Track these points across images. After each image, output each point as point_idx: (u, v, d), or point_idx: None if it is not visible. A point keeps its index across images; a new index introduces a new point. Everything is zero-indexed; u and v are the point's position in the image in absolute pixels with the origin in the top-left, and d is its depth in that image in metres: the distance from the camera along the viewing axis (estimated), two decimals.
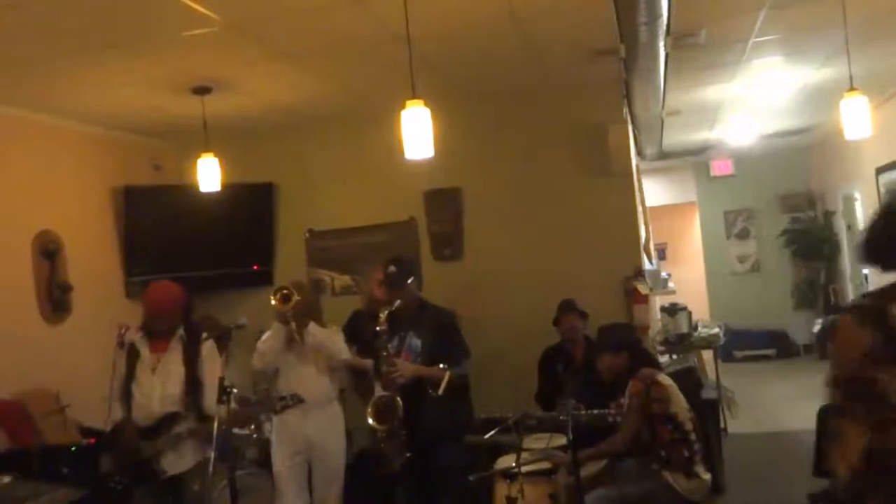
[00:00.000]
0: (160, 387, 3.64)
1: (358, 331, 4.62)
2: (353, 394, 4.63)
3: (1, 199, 4.57)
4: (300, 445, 4.07)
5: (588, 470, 3.75)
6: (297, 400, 3.60)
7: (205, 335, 3.79)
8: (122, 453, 3.52)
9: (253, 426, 4.53)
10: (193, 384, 3.63)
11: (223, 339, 4.91)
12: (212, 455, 3.16)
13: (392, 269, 4.03)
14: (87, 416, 4.10)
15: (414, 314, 4.06)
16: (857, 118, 4.12)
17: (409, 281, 4.06)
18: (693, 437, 3.61)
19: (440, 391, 3.82)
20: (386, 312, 3.94)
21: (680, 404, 3.66)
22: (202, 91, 4.62)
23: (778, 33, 4.71)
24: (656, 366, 3.94)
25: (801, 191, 10.84)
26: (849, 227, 9.84)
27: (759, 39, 4.77)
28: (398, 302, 3.96)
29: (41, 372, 4.43)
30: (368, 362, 4.20)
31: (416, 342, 4.04)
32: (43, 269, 4.78)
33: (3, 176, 4.61)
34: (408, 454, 3.87)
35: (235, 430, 4.32)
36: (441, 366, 3.93)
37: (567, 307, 4.82)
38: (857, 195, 9.25)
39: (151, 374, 3.66)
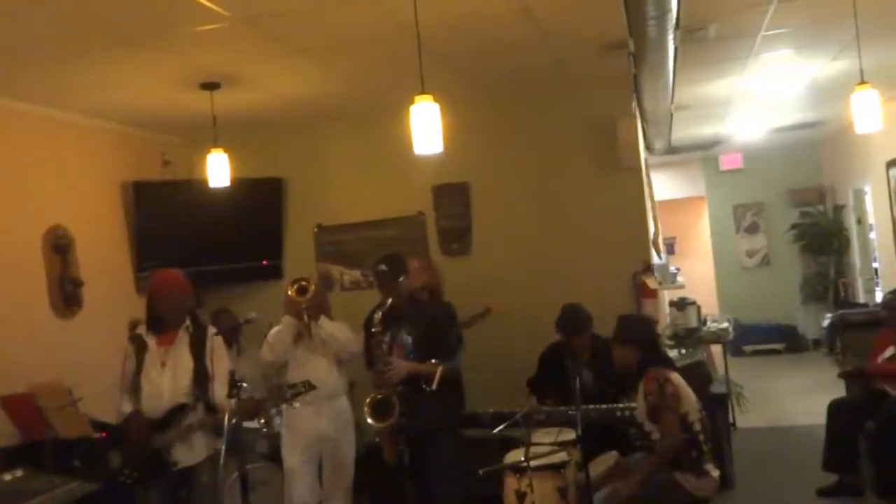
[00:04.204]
0: (170, 379, 3.65)
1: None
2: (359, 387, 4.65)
3: (12, 194, 4.59)
4: (311, 439, 4.09)
5: (597, 468, 3.75)
6: (309, 387, 3.60)
7: (213, 330, 3.79)
8: (132, 446, 3.54)
9: (263, 420, 4.56)
10: (202, 375, 3.63)
11: (234, 333, 4.96)
12: (222, 448, 3.17)
13: (382, 267, 4.05)
14: (98, 410, 4.12)
15: (406, 311, 4.08)
16: (867, 112, 4.09)
17: (400, 279, 4.08)
18: (702, 437, 3.59)
19: (434, 385, 3.87)
20: (380, 314, 3.97)
21: (690, 403, 3.63)
22: (211, 86, 4.63)
23: (788, 27, 4.69)
24: (669, 365, 3.91)
25: (810, 185, 10.80)
26: (859, 221, 9.80)
27: (768, 33, 4.74)
28: (389, 301, 3.99)
29: (53, 366, 4.44)
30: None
31: (406, 338, 4.07)
32: (54, 264, 4.80)
33: (14, 171, 4.63)
34: (398, 448, 3.91)
35: (245, 424, 4.35)
36: (433, 360, 3.96)
37: (573, 327, 4.55)
38: (867, 189, 9.21)
39: (161, 367, 3.67)
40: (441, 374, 3.91)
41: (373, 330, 3.99)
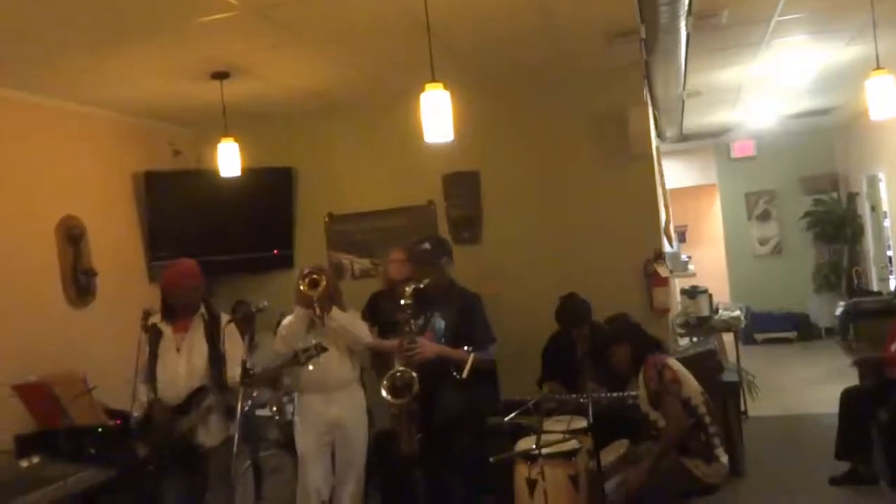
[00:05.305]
0: (185, 364, 3.71)
1: (378, 312, 4.65)
2: (372, 372, 4.66)
3: (25, 185, 4.62)
4: (324, 427, 4.10)
5: (608, 456, 3.76)
6: (321, 349, 3.62)
7: (226, 318, 3.83)
8: (157, 434, 3.58)
9: (275, 408, 4.60)
10: (217, 359, 3.68)
11: (249, 323, 4.99)
12: (235, 433, 3.19)
13: (426, 245, 4.03)
14: (113, 398, 4.16)
15: (441, 295, 4.06)
16: (883, 98, 4.05)
17: (442, 260, 4.05)
18: (708, 419, 3.60)
19: (464, 374, 3.81)
20: (412, 287, 3.91)
21: (692, 387, 3.65)
22: (221, 76, 4.63)
23: (802, 12, 4.63)
24: (661, 349, 3.93)
25: (824, 172, 10.71)
26: (873, 209, 9.72)
27: (782, 18, 4.69)
28: (427, 280, 3.95)
29: (67, 355, 4.49)
30: (391, 344, 4.21)
31: (440, 323, 4.04)
32: (67, 255, 4.83)
33: (26, 162, 4.65)
34: (418, 436, 3.87)
35: (258, 412, 4.38)
36: (466, 348, 3.92)
37: (569, 317, 4.60)
38: (881, 176, 9.12)
39: (176, 354, 3.73)
40: (473, 364, 3.85)
41: (402, 302, 3.92)
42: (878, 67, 4.07)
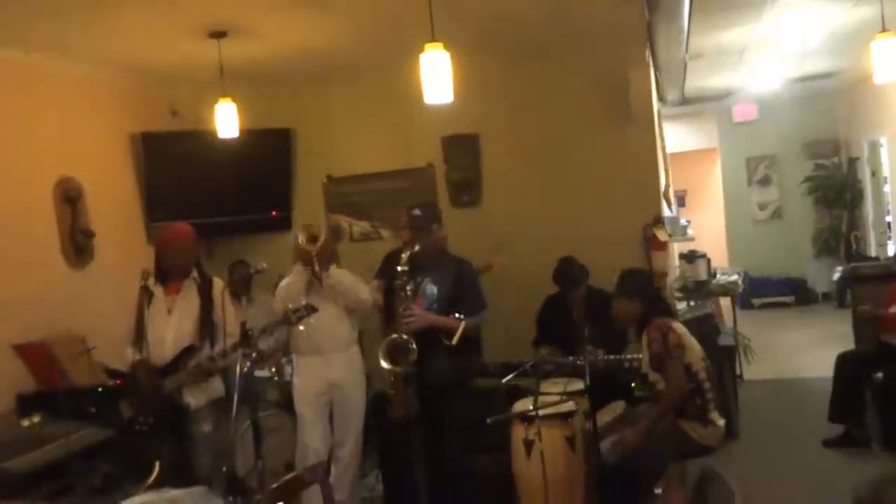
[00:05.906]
0: (175, 326, 3.72)
1: (388, 270, 4.65)
2: (380, 332, 4.68)
3: (23, 145, 4.58)
4: (322, 387, 4.13)
5: (604, 418, 3.79)
6: (311, 309, 3.64)
7: (220, 284, 3.84)
8: (142, 394, 3.60)
9: (274, 369, 4.63)
10: (207, 321, 3.70)
11: (246, 283, 5.00)
12: (234, 394, 3.21)
13: (416, 212, 4.04)
14: (112, 359, 4.18)
15: (433, 261, 4.07)
16: (887, 61, 4.00)
17: (433, 227, 4.05)
18: (707, 385, 3.62)
19: (454, 340, 3.86)
20: (408, 254, 3.94)
21: (694, 352, 3.66)
22: (218, 35, 4.57)
23: None
24: (672, 316, 3.93)
25: (826, 137, 10.64)
26: (873, 174, 9.69)
27: None
28: (417, 246, 3.97)
29: (67, 316, 4.51)
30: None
31: (432, 289, 4.06)
32: (65, 216, 4.82)
33: (22, 123, 4.61)
34: (409, 402, 3.91)
35: (257, 373, 4.41)
36: (457, 315, 3.95)
37: (567, 279, 4.69)
38: (883, 141, 9.08)
39: (166, 315, 3.74)
40: (464, 330, 3.89)
41: (399, 269, 3.94)
42: (883, 30, 4.01)
